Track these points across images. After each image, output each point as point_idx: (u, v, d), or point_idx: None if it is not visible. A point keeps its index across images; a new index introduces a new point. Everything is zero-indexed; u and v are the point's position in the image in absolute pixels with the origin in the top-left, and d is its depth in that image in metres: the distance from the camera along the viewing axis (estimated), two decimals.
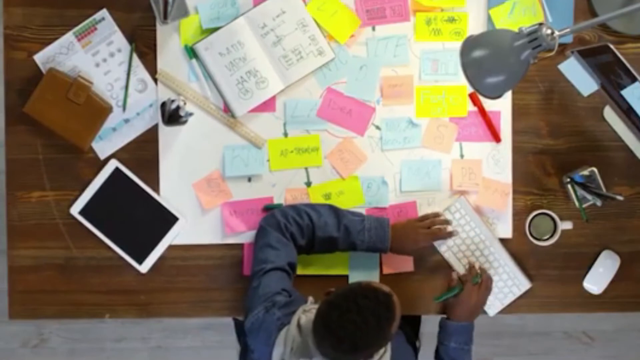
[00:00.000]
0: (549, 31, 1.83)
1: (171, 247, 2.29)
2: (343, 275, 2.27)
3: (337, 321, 1.81)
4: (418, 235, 2.19)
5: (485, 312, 2.29)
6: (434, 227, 2.21)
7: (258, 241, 2.14)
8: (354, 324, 1.80)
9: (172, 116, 2.18)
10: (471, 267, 2.25)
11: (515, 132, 2.28)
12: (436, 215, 2.24)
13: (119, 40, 2.27)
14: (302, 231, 2.12)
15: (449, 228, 2.22)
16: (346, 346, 1.81)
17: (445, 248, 2.28)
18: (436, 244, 2.27)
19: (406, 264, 2.28)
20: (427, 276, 2.29)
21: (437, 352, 2.23)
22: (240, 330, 2.37)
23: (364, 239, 2.15)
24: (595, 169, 2.23)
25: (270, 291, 2.04)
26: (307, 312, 1.96)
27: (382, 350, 1.94)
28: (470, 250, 2.27)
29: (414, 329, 2.59)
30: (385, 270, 2.28)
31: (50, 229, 2.28)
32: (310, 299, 2.04)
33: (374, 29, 2.28)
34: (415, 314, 2.38)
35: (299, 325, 1.94)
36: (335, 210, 2.16)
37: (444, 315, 2.24)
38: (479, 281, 2.21)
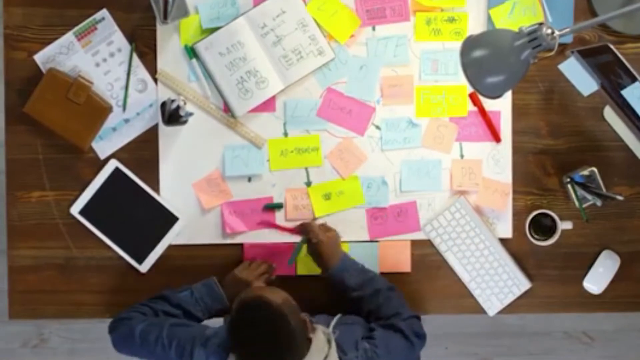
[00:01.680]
0: (549, 31, 1.82)
1: (171, 247, 2.29)
2: None
3: (237, 340, 1.87)
4: (247, 283, 2.18)
5: (485, 312, 2.29)
6: (261, 268, 2.22)
7: (131, 344, 2.10)
8: (249, 340, 1.86)
9: (172, 116, 2.18)
10: (302, 225, 2.23)
11: (515, 132, 2.28)
12: (256, 262, 2.24)
13: (119, 40, 2.27)
14: (146, 315, 2.13)
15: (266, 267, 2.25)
16: (259, 356, 1.87)
17: (446, 247, 2.28)
18: (436, 243, 2.27)
19: (404, 264, 2.28)
20: (428, 276, 2.29)
21: (350, 301, 2.17)
22: None
23: (200, 308, 2.16)
24: (595, 169, 2.23)
25: (194, 334, 2.03)
26: None
27: (324, 349, 1.94)
28: (470, 251, 2.27)
29: None
30: (382, 269, 2.28)
31: (50, 229, 2.28)
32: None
33: (374, 29, 2.28)
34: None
35: None
36: (163, 296, 2.16)
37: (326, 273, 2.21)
38: (305, 241, 2.20)
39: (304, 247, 2.22)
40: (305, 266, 2.27)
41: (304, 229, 2.21)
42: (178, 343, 2.03)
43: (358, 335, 2.06)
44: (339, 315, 2.10)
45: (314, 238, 2.18)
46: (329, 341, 1.97)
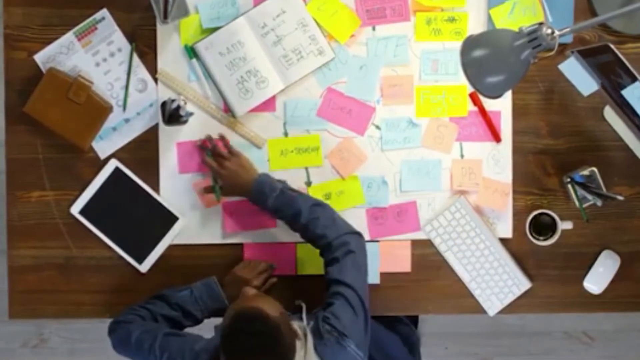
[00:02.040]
0: (549, 31, 1.82)
1: (171, 247, 2.29)
2: None
3: (232, 355, 1.85)
4: (246, 282, 2.18)
5: (485, 312, 2.29)
6: (260, 267, 2.21)
7: (127, 348, 2.11)
8: (249, 354, 1.83)
9: (172, 116, 2.18)
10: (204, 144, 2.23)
11: (515, 132, 2.28)
12: (256, 262, 2.24)
13: (119, 40, 2.27)
14: (144, 319, 2.13)
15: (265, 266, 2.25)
16: None
17: (446, 247, 2.28)
18: (436, 243, 2.27)
19: (403, 263, 2.28)
20: (428, 276, 2.29)
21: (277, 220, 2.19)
22: None
23: (200, 308, 2.16)
24: (595, 169, 2.23)
25: (184, 348, 2.03)
26: None
27: (301, 354, 1.92)
28: (470, 251, 2.27)
29: (411, 329, 2.59)
30: (382, 269, 2.28)
31: (50, 228, 2.28)
32: None
33: (374, 28, 2.28)
34: (414, 314, 2.38)
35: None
36: (161, 296, 2.17)
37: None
38: (210, 154, 2.20)
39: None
40: (305, 266, 2.27)
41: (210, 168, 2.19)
42: (169, 356, 2.03)
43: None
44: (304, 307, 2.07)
45: (215, 174, 2.16)
46: (305, 335, 1.96)
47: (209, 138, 2.22)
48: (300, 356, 1.90)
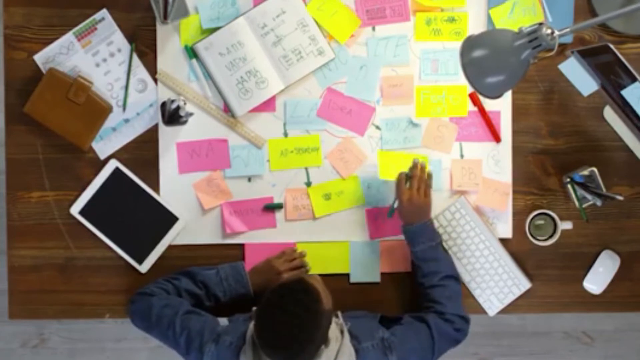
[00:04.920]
0: (549, 31, 1.83)
1: (171, 247, 2.29)
2: (344, 274, 2.28)
3: (268, 327, 1.85)
4: (279, 273, 2.20)
5: (485, 312, 2.29)
6: (295, 261, 2.23)
7: (147, 318, 2.11)
8: (282, 323, 1.84)
9: (172, 116, 2.18)
10: (412, 168, 2.22)
11: (515, 132, 2.28)
12: (292, 250, 2.25)
13: (119, 40, 2.27)
14: (169, 293, 2.14)
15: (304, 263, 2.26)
16: (286, 342, 1.84)
17: (446, 247, 2.27)
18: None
19: (404, 263, 2.28)
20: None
21: (412, 265, 2.22)
22: None
23: (223, 289, 2.17)
24: (595, 169, 2.23)
25: (205, 328, 2.04)
26: None
27: (335, 347, 1.94)
28: (470, 251, 2.27)
29: None
30: (383, 269, 2.28)
31: (50, 229, 2.28)
32: (254, 309, 2.02)
33: (374, 29, 2.28)
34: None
35: (253, 342, 1.94)
36: (188, 272, 2.18)
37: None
38: (408, 177, 2.19)
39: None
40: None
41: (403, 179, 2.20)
42: (188, 334, 2.04)
43: (372, 326, 2.08)
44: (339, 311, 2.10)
45: (405, 195, 2.17)
46: (342, 331, 1.99)
47: (415, 164, 2.21)
48: (333, 350, 1.92)
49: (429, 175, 2.20)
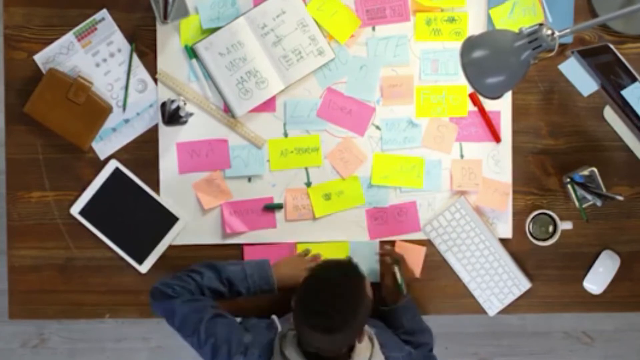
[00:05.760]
0: (549, 31, 1.83)
1: (171, 247, 2.29)
2: None
3: (311, 298, 1.85)
4: (304, 270, 2.17)
5: (485, 312, 2.29)
6: (318, 261, 2.23)
7: (170, 318, 2.10)
8: (326, 291, 1.84)
9: (172, 116, 2.18)
10: (382, 255, 2.26)
11: (515, 132, 2.28)
12: (309, 252, 2.26)
13: (119, 40, 2.27)
14: (192, 293, 2.12)
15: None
16: (324, 317, 1.83)
17: (446, 248, 2.28)
18: (436, 243, 2.27)
19: (415, 269, 2.28)
20: (428, 276, 2.29)
21: (404, 342, 2.20)
22: None
23: (248, 286, 2.16)
24: (595, 169, 2.23)
25: (231, 338, 2.03)
26: (284, 338, 1.97)
27: (367, 349, 1.95)
28: (470, 251, 2.27)
29: None
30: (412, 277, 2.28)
31: (50, 229, 2.28)
32: (274, 318, 2.05)
33: (374, 29, 2.28)
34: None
35: (282, 354, 1.94)
36: (214, 267, 2.16)
37: (384, 307, 2.23)
38: (395, 260, 2.22)
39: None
40: None
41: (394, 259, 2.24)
42: (214, 342, 2.02)
43: (396, 339, 2.12)
44: None
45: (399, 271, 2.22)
46: (370, 338, 1.99)
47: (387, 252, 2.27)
48: (366, 356, 1.93)
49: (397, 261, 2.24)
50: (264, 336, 2.02)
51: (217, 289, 2.14)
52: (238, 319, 2.09)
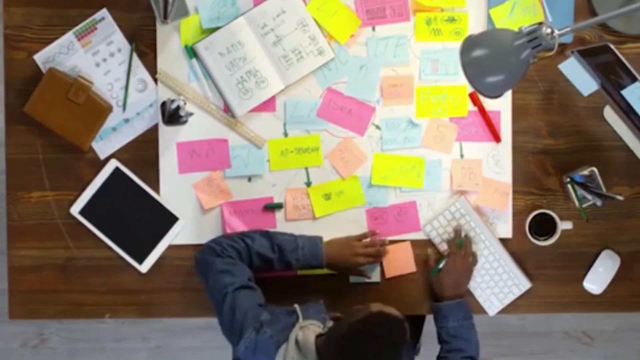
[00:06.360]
0: (548, 31, 1.83)
1: (171, 247, 2.29)
2: (343, 274, 2.27)
3: (354, 354, 1.82)
4: (354, 254, 2.20)
5: (485, 312, 2.29)
6: (371, 249, 2.22)
7: (205, 273, 2.10)
8: (371, 354, 1.81)
9: (172, 116, 2.18)
10: (456, 232, 2.25)
11: (515, 132, 2.28)
12: (373, 233, 2.26)
13: (119, 40, 2.27)
14: (240, 254, 2.11)
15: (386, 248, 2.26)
16: None
17: (446, 247, 2.27)
18: (436, 243, 2.27)
19: (408, 265, 2.28)
20: (426, 276, 2.28)
21: (439, 336, 2.22)
22: None
23: (297, 257, 2.15)
24: (595, 169, 2.23)
25: (248, 311, 2.02)
26: (303, 329, 1.96)
27: None
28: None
29: (416, 330, 2.59)
30: (388, 274, 2.27)
31: (50, 229, 2.28)
32: (297, 307, 2.04)
33: (374, 29, 2.28)
34: (418, 314, 2.38)
35: (297, 343, 1.93)
36: (267, 233, 2.17)
37: (434, 300, 2.24)
38: (461, 244, 2.22)
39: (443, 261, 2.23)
40: None
41: (451, 245, 2.24)
42: (233, 313, 2.02)
43: None
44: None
45: (456, 255, 2.22)
46: None
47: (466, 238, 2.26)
48: None
49: (474, 254, 2.25)
50: (282, 321, 2.00)
51: (267, 255, 2.13)
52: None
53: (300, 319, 2.00)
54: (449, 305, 2.19)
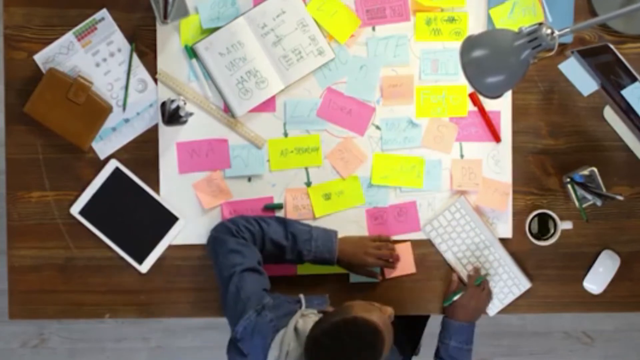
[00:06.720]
0: (548, 31, 1.83)
1: (171, 247, 2.29)
2: (343, 274, 2.27)
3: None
4: (366, 254, 2.20)
5: (485, 312, 2.29)
6: (385, 250, 2.22)
7: (216, 250, 2.10)
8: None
9: (172, 116, 2.18)
10: (475, 269, 2.26)
11: (515, 132, 2.28)
12: (387, 239, 2.26)
13: (119, 40, 2.27)
14: (254, 237, 2.12)
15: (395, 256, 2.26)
16: None
17: (446, 247, 2.28)
18: (436, 243, 2.27)
19: (408, 265, 2.28)
20: (428, 276, 2.29)
21: (437, 351, 2.23)
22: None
23: (310, 248, 2.15)
24: (595, 169, 2.23)
25: (253, 293, 2.02)
26: (304, 317, 1.96)
27: None
28: (470, 250, 2.27)
29: (417, 333, 2.59)
30: (388, 275, 2.27)
31: (50, 229, 2.28)
32: (301, 297, 2.05)
33: (374, 29, 2.28)
34: (418, 314, 2.38)
35: (296, 330, 1.93)
36: (283, 220, 2.17)
37: (445, 315, 2.24)
38: (479, 284, 2.22)
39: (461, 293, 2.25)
40: (306, 266, 2.27)
41: (471, 281, 2.26)
42: (238, 293, 2.02)
43: None
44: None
45: (474, 291, 2.23)
46: None
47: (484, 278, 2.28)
48: None
49: (490, 293, 2.27)
50: (284, 307, 2.01)
51: (280, 242, 2.13)
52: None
53: (304, 307, 2.00)
54: (456, 325, 2.21)
